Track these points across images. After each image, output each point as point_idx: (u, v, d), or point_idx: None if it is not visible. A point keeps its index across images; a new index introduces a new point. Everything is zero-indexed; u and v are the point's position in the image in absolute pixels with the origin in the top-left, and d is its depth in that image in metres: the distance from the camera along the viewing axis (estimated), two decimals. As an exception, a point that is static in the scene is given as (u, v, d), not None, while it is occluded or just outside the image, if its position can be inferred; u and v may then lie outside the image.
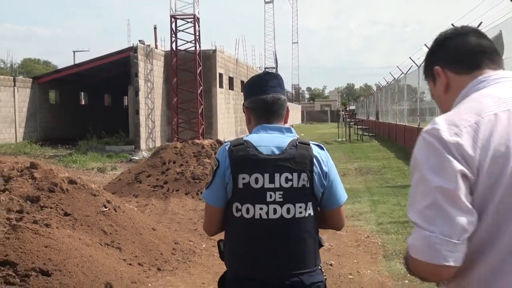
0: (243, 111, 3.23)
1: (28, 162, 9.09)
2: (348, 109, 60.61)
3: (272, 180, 2.94)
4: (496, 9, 19.15)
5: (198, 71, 30.91)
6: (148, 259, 7.60)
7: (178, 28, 30.84)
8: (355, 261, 8.05)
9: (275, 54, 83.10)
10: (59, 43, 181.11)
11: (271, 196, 2.94)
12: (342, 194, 3.11)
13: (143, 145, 28.79)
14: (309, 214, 2.98)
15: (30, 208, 7.82)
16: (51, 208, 7.90)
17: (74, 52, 75.21)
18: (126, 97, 43.79)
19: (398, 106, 31.97)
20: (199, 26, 30.82)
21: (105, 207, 8.30)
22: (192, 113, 30.09)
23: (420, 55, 22.88)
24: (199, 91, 30.46)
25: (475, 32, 2.22)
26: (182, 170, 13.79)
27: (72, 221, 7.77)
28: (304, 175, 2.94)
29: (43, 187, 8.29)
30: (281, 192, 2.94)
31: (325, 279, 3.18)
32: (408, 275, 7.20)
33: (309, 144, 3.03)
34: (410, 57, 24.55)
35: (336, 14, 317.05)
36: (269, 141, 3.03)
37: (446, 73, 2.16)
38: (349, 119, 43.28)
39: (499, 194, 1.82)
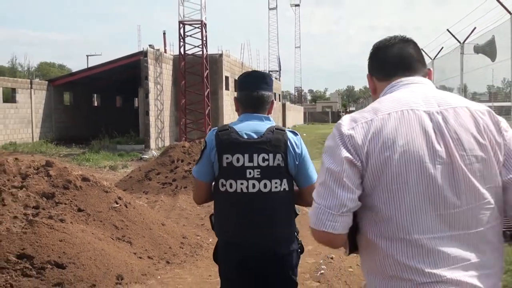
0: (234, 101, 3.65)
1: (44, 160, 9.10)
2: (348, 110, 60.65)
3: (251, 160, 3.38)
4: (489, 15, 19.09)
5: (205, 74, 30.90)
6: (158, 253, 7.61)
7: (186, 33, 30.83)
8: (354, 255, 8.04)
9: (279, 58, 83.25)
10: (73, 48, 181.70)
11: (250, 173, 3.38)
12: (313, 173, 3.45)
13: (152, 144, 28.81)
14: (284, 189, 3.40)
15: (46, 204, 7.83)
16: (65, 204, 7.91)
17: (87, 56, 75.25)
18: (136, 98, 43.85)
19: None
20: (206, 32, 30.81)
21: (117, 203, 8.31)
22: (199, 114, 30.10)
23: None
24: (206, 93, 30.47)
25: (401, 41, 2.47)
26: (190, 168, 13.78)
27: (85, 216, 7.78)
28: (279, 156, 3.37)
29: (58, 184, 8.31)
30: (259, 170, 3.38)
31: (300, 245, 3.58)
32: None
33: (284, 130, 3.45)
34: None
35: (336, 20, 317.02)
36: (249, 127, 3.46)
37: (373, 79, 2.49)
38: (349, 120, 43.24)
39: (385, 180, 2.10)
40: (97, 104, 44.10)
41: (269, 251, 3.40)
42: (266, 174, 3.37)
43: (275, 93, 60.53)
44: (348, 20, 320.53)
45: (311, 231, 2.21)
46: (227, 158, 3.41)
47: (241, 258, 3.41)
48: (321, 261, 7.48)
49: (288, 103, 68.75)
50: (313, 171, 3.45)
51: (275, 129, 3.44)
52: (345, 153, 2.13)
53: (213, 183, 3.53)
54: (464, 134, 2.14)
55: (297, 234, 3.56)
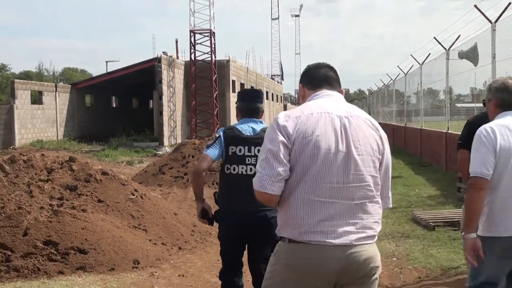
0: (236, 109, 4.41)
1: (67, 156, 9.12)
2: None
3: (249, 150, 4.27)
4: (472, 24, 18.98)
5: (214, 78, 30.92)
6: (171, 240, 7.62)
7: (196, 41, 30.87)
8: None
9: (281, 63, 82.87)
10: (94, 55, 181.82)
11: (248, 160, 4.25)
12: None
13: (166, 142, 28.83)
14: None
15: (69, 196, 7.85)
16: (87, 195, 7.93)
17: (106, 62, 75.06)
18: (151, 100, 43.82)
19: (388, 108, 31.88)
20: (214, 40, 30.83)
21: (133, 195, 8.32)
22: (208, 114, 30.12)
23: (407, 64, 22.79)
24: (214, 96, 30.48)
25: (327, 66, 3.14)
26: (200, 163, 13.80)
27: (104, 207, 7.79)
28: None
29: (80, 177, 8.32)
30: (255, 158, 4.12)
31: None
32: (396, 252, 7.20)
33: None
34: (398, 66, 24.45)
35: (333, 29, 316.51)
36: (248, 128, 4.36)
37: (304, 88, 3.10)
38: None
39: (302, 158, 2.72)
40: (115, 105, 44.15)
41: (261, 215, 4.16)
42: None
43: (277, 95, 60.71)
44: (343, 29, 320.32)
45: (255, 192, 2.79)
46: (232, 148, 4.29)
47: (241, 220, 4.22)
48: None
49: (289, 104, 68.68)
50: None
51: (264, 129, 4.17)
52: (281, 138, 2.73)
53: (220, 168, 4.43)
54: (361, 134, 2.80)
55: None
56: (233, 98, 34.68)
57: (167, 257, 7.06)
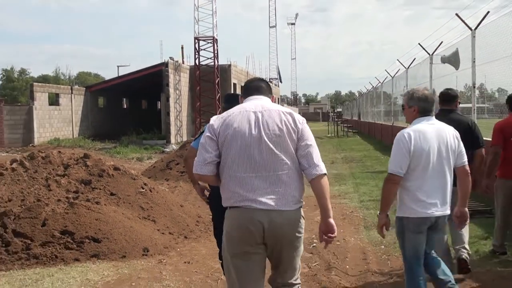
0: (222, 109, 4.42)
1: (82, 153, 9.13)
2: (336, 111, 60.42)
3: None
4: (453, 31, 18.96)
5: (217, 81, 30.92)
6: (177, 229, 7.62)
7: (200, 47, 30.86)
8: (341, 230, 8.03)
9: (278, 68, 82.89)
10: (106, 60, 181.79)
11: None
12: None
13: (172, 140, 28.82)
14: None
15: (84, 189, 7.86)
16: (100, 189, 7.94)
17: (118, 66, 75.01)
18: (159, 102, 43.77)
19: (376, 108, 31.84)
20: (217, 46, 30.82)
21: (143, 188, 8.33)
22: (211, 114, 29.80)
23: (394, 68, 22.81)
24: (217, 97, 30.45)
25: (259, 80, 3.81)
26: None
27: (116, 199, 7.80)
28: None
29: (94, 172, 8.33)
30: None
31: None
32: (384, 241, 7.20)
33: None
34: (385, 70, 24.49)
35: (326, 36, 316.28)
36: None
37: (241, 98, 3.81)
38: (336, 119, 43.19)
39: (225, 145, 3.33)
40: (126, 106, 44.10)
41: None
42: None
43: (275, 97, 60.53)
44: (336, 36, 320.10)
45: (194, 174, 3.47)
46: None
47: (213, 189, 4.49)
48: (313, 236, 7.47)
49: (285, 105, 68.54)
50: None
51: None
52: (207, 134, 3.41)
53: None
54: (270, 122, 3.33)
55: None
56: (234, 99, 34.59)
57: (174, 246, 7.07)
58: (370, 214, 9.13)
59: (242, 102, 3.64)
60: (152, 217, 7.72)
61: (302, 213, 3.40)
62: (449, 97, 5.70)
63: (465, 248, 5.24)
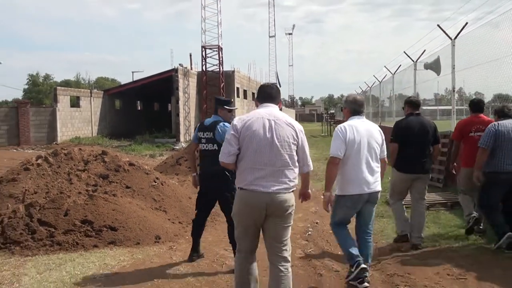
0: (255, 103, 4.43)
1: (100, 150, 9.13)
2: (329, 112, 60.17)
3: (203, 134, 5.60)
4: (435, 40, 18.93)
5: (222, 86, 30.89)
6: (186, 219, 7.62)
7: (207, 55, 30.84)
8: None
9: (277, 73, 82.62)
10: (122, 66, 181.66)
11: (203, 141, 5.60)
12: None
13: (182, 138, 28.77)
14: (215, 148, 5.39)
15: (102, 183, 7.86)
16: (116, 183, 7.94)
17: (132, 72, 75.34)
18: (169, 104, 43.78)
19: (365, 110, 31.80)
20: (222, 54, 30.81)
21: (155, 182, 8.33)
22: (217, 115, 30.01)
23: (381, 74, 22.74)
24: (222, 100, 30.33)
25: (271, 86, 4.29)
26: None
27: (131, 192, 7.80)
28: (211, 133, 5.53)
29: (111, 168, 8.33)
30: (205, 138, 5.58)
31: (230, 175, 5.21)
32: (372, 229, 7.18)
33: (218, 122, 5.53)
34: (374, 75, 24.40)
35: (320, 45, 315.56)
36: (208, 120, 5.68)
37: (256, 101, 4.28)
38: (329, 120, 43.14)
39: (245, 143, 3.93)
40: (140, 108, 44.05)
41: (215, 170, 5.14)
42: (208, 141, 5.55)
43: (281, 102, 60.10)
44: (329, 45, 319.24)
45: (220, 162, 4.07)
46: (200, 133, 5.65)
47: (205, 173, 5.58)
48: (309, 225, 7.48)
49: (283, 107, 68.44)
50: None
51: (215, 121, 5.55)
52: (232, 132, 3.99)
53: (195, 147, 5.91)
54: (280, 130, 3.96)
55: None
56: (237, 103, 34.64)
57: (183, 234, 7.07)
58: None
59: (256, 105, 4.25)
60: (164, 208, 7.72)
61: (293, 195, 4.06)
62: (417, 104, 6.42)
63: (420, 237, 5.99)
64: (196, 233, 5.89)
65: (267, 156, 3.90)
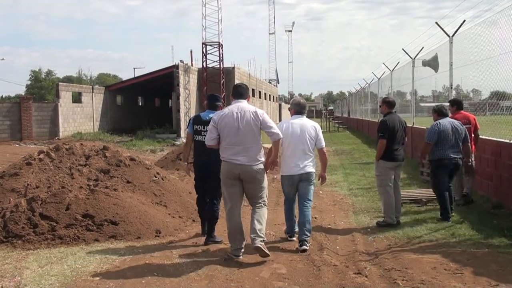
0: (205, 105, 5.90)
1: (102, 145, 9.11)
2: (328, 109, 60.20)
3: (204, 127, 6.12)
4: (433, 37, 18.93)
5: (222, 82, 30.87)
6: (186, 214, 7.62)
7: (207, 52, 30.82)
8: (332, 215, 8.04)
9: (276, 70, 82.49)
10: (124, 62, 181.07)
11: (203, 133, 6.14)
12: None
13: (182, 134, 28.70)
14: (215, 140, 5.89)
15: (103, 178, 7.84)
16: (117, 177, 7.92)
17: (134, 68, 75.36)
18: (170, 100, 43.73)
19: (364, 106, 31.79)
20: (222, 50, 30.80)
21: (156, 177, 8.31)
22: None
23: (380, 71, 22.75)
24: (222, 96, 30.21)
25: (240, 86, 5.77)
26: (210, 151, 13.72)
27: (132, 186, 7.79)
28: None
29: (112, 162, 8.31)
30: (205, 131, 5.94)
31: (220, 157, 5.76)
32: (370, 225, 7.18)
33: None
34: (372, 72, 24.45)
35: (320, 42, 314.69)
36: (205, 115, 6.26)
37: (231, 97, 5.68)
38: (328, 116, 43.15)
39: (222, 130, 5.46)
40: (141, 104, 44.02)
41: (207, 162, 6.07)
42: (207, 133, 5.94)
43: (273, 96, 60.48)
44: (328, 42, 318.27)
45: (206, 144, 5.60)
46: (196, 126, 6.31)
47: (200, 165, 6.25)
48: (309, 238, 7.46)
49: (283, 104, 68.29)
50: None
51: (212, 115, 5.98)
52: (212, 124, 5.51)
53: (192, 137, 6.38)
54: (244, 118, 5.42)
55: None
56: (237, 98, 34.56)
57: (183, 228, 7.06)
58: (358, 201, 9.13)
59: (232, 101, 5.64)
60: (164, 203, 7.71)
61: (262, 166, 5.57)
62: (394, 103, 7.70)
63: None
64: (203, 211, 6.52)
65: (237, 138, 5.42)
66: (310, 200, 6.21)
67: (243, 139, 5.39)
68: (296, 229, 6.28)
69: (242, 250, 5.57)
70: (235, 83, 5.91)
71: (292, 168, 6.07)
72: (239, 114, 5.41)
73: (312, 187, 6.30)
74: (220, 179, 5.61)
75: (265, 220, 5.61)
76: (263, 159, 5.57)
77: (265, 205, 5.67)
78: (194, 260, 5.60)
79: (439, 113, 7.59)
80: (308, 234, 5.99)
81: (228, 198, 5.59)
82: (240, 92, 5.69)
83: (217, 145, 5.49)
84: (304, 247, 5.85)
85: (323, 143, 6.25)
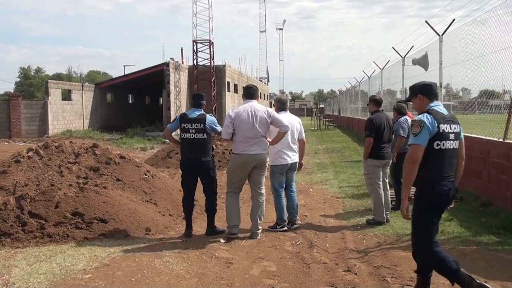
0: (190, 104, 6.35)
1: (91, 143, 9.06)
2: (318, 107, 60.26)
3: (192, 125, 6.48)
4: (423, 36, 19.01)
5: (212, 80, 30.81)
6: (176, 212, 7.60)
7: (198, 50, 30.73)
8: (322, 213, 8.06)
9: (267, 68, 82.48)
10: (114, 60, 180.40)
11: (191, 130, 6.48)
12: (220, 128, 6.61)
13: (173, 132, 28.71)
14: (204, 137, 6.50)
15: (93, 175, 7.80)
16: (107, 175, 7.89)
17: (124, 66, 74.59)
18: (161, 98, 43.53)
19: (354, 105, 31.86)
20: (213, 48, 30.70)
21: (146, 175, 8.29)
22: (208, 109, 29.52)
23: (370, 69, 22.83)
24: (213, 94, 30.38)
25: (251, 88, 6.55)
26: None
27: (122, 184, 7.76)
28: (201, 124, 6.47)
29: (102, 160, 8.27)
30: (194, 129, 6.47)
31: (212, 156, 6.65)
32: (360, 222, 7.21)
33: (206, 114, 6.56)
34: (363, 71, 24.48)
35: (311, 41, 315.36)
36: (193, 113, 6.57)
37: (243, 97, 6.64)
38: (319, 114, 43.24)
39: (237, 126, 6.29)
40: (131, 101, 43.80)
41: (199, 159, 6.48)
42: (197, 131, 6.48)
43: (264, 94, 60.49)
44: (320, 41, 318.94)
45: (222, 137, 6.50)
46: (184, 124, 6.54)
47: (189, 161, 6.53)
48: (297, 217, 7.48)
49: (274, 102, 68.54)
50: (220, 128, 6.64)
51: (202, 114, 6.55)
52: (229, 120, 6.30)
53: (179, 135, 6.67)
54: (259, 115, 6.30)
55: (213, 151, 6.71)
56: (228, 96, 34.61)
57: (173, 226, 7.05)
58: (348, 199, 9.16)
59: (244, 100, 6.54)
60: (154, 201, 7.69)
61: (267, 155, 6.48)
62: (381, 102, 7.72)
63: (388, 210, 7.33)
64: (189, 209, 6.69)
65: (251, 133, 6.24)
66: (295, 186, 7.19)
67: (256, 133, 6.24)
68: (285, 215, 6.92)
69: (238, 228, 6.43)
70: (247, 85, 6.74)
71: (285, 159, 6.81)
72: (253, 112, 6.26)
73: (295, 175, 7.26)
74: (227, 169, 6.65)
75: (263, 212, 6.59)
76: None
77: (264, 195, 6.54)
78: (184, 258, 5.59)
79: (399, 112, 8.18)
80: (296, 215, 7.01)
81: (233, 185, 6.43)
82: (252, 93, 6.50)
83: (231, 139, 6.35)
84: (296, 225, 6.89)
85: (304, 134, 7.16)
